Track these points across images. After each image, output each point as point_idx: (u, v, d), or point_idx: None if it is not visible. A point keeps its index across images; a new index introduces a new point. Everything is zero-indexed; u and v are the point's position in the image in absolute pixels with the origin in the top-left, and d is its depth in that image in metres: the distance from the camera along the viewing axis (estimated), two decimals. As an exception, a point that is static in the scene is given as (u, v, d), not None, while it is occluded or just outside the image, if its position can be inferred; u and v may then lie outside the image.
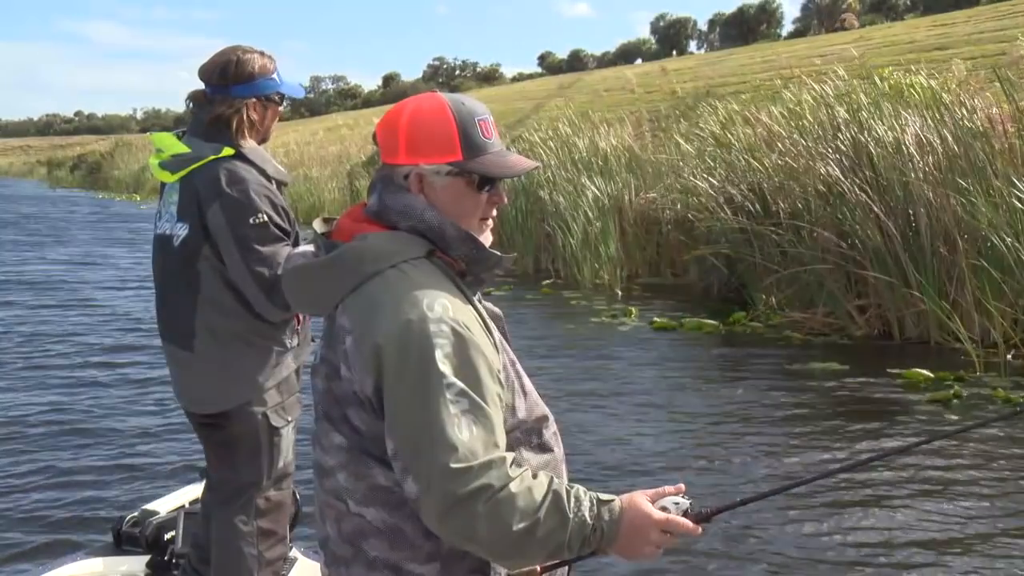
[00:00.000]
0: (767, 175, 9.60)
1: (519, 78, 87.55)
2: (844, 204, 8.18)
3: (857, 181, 8.16)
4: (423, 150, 1.50)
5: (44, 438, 5.75)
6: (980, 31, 23.81)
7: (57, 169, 63.75)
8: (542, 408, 1.58)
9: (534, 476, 1.41)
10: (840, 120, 8.75)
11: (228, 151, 2.62)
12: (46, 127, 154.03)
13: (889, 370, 6.70)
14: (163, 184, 2.80)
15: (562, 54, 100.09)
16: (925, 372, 6.44)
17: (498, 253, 1.54)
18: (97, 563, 3.26)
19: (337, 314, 1.49)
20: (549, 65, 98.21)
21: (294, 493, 2.94)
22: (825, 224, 8.41)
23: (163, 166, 2.72)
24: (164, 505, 3.51)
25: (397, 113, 1.54)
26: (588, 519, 1.41)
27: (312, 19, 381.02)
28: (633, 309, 9.44)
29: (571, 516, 1.39)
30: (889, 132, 8.23)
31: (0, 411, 6.29)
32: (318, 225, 1.61)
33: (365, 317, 1.44)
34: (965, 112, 7.97)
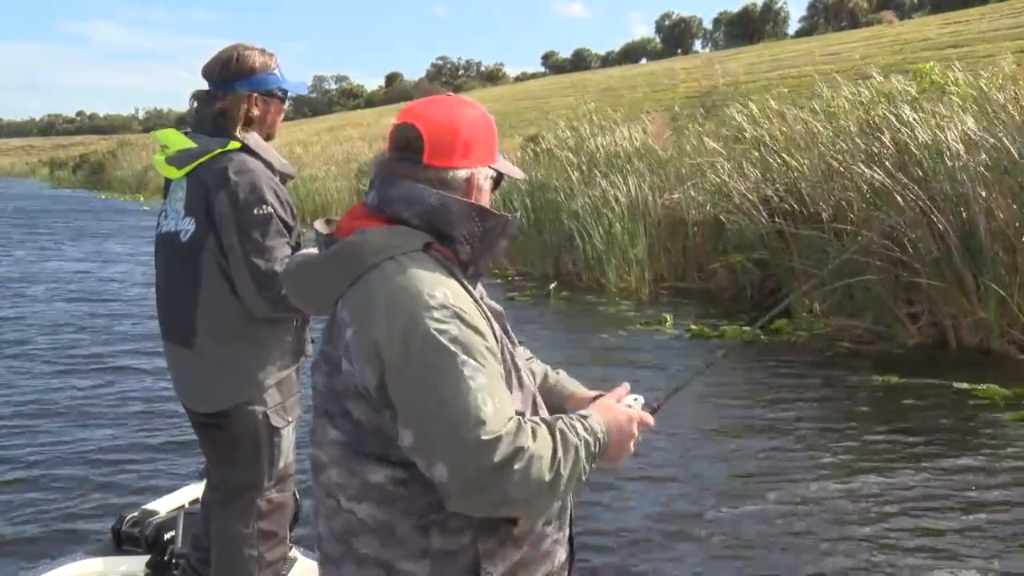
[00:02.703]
0: (804, 175, 9.15)
1: (523, 78, 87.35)
2: (891, 205, 7.72)
3: (904, 180, 7.71)
4: (482, 155, 1.57)
5: (43, 437, 5.66)
6: (995, 28, 23.41)
7: (60, 169, 63.60)
8: (544, 410, 1.60)
9: (534, 426, 1.44)
10: (885, 118, 8.27)
11: (235, 144, 2.61)
12: (48, 127, 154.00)
13: (956, 384, 6.23)
14: (167, 185, 2.78)
15: (565, 53, 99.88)
16: (1001, 389, 5.94)
17: (506, 214, 1.56)
18: (97, 563, 3.22)
19: (338, 309, 1.49)
20: (553, 64, 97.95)
21: (294, 493, 2.91)
22: (870, 226, 7.95)
23: (169, 162, 2.67)
24: (164, 505, 3.47)
25: (448, 116, 1.55)
26: (588, 437, 1.47)
27: (312, 20, 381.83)
28: (668, 316, 8.98)
29: (579, 442, 1.45)
30: (937, 131, 7.76)
31: (-1, 408, 6.19)
32: (320, 226, 1.61)
33: (364, 310, 1.43)
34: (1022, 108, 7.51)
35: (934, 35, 25.93)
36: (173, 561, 3.09)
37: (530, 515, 1.49)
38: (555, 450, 1.41)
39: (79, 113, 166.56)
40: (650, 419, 1.63)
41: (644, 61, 69.57)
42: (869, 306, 7.96)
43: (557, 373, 1.85)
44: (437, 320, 1.38)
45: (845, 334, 7.90)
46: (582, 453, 1.45)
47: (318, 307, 1.56)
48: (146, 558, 3.16)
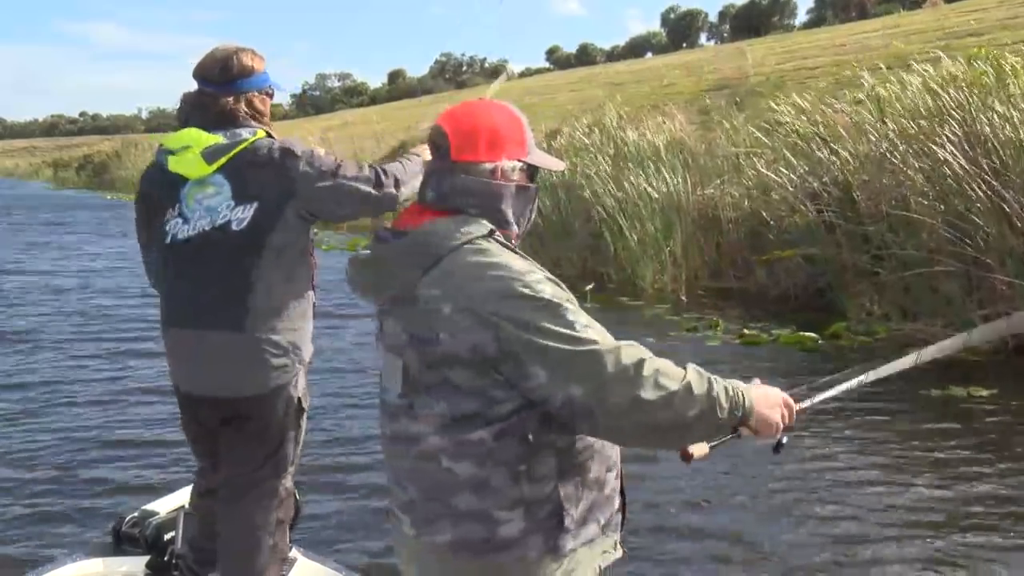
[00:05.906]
0: (855, 168, 8.57)
1: (527, 73, 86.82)
2: (961, 197, 7.14)
3: (975, 170, 7.13)
4: (506, 148, 1.71)
5: (43, 436, 5.67)
6: (1015, 16, 22.75)
7: (63, 170, 63.22)
8: None
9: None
10: (960, 105, 7.68)
11: (261, 132, 2.70)
12: (52, 128, 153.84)
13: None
14: (165, 189, 2.75)
15: (569, 48, 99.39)
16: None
17: (532, 185, 1.75)
18: (97, 563, 3.25)
19: (419, 290, 1.59)
20: (557, 60, 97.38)
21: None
22: (934, 219, 7.37)
23: (204, 156, 2.69)
24: (164, 505, 3.50)
25: (472, 117, 1.72)
26: (726, 385, 1.58)
27: (313, 19, 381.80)
28: (719, 321, 8.41)
29: (710, 376, 1.58)
30: (1013, 114, 7.18)
31: (-1, 408, 6.23)
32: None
33: (462, 286, 1.56)
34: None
35: (952, 24, 25.31)
36: (173, 561, 3.12)
37: (669, 437, 1.59)
38: (685, 372, 1.55)
39: (82, 113, 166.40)
40: (795, 406, 1.72)
41: (649, 55, 69.00)
42: (933, 307, 7.38)
43: None
44: (534, 283, 1.55)
45: (911, 339, 7.30)
46: (717, 390, 1.55)
47: (382, 293, 1.69)
48: (146, 558, 3.18)
